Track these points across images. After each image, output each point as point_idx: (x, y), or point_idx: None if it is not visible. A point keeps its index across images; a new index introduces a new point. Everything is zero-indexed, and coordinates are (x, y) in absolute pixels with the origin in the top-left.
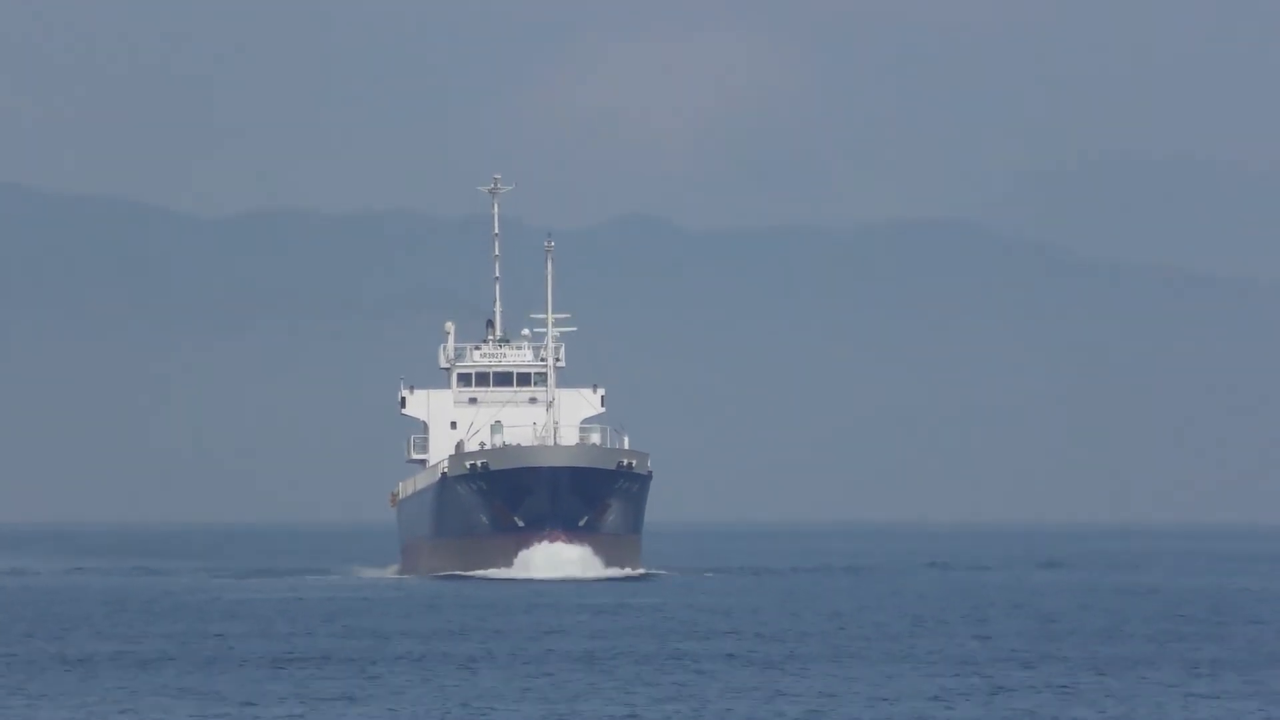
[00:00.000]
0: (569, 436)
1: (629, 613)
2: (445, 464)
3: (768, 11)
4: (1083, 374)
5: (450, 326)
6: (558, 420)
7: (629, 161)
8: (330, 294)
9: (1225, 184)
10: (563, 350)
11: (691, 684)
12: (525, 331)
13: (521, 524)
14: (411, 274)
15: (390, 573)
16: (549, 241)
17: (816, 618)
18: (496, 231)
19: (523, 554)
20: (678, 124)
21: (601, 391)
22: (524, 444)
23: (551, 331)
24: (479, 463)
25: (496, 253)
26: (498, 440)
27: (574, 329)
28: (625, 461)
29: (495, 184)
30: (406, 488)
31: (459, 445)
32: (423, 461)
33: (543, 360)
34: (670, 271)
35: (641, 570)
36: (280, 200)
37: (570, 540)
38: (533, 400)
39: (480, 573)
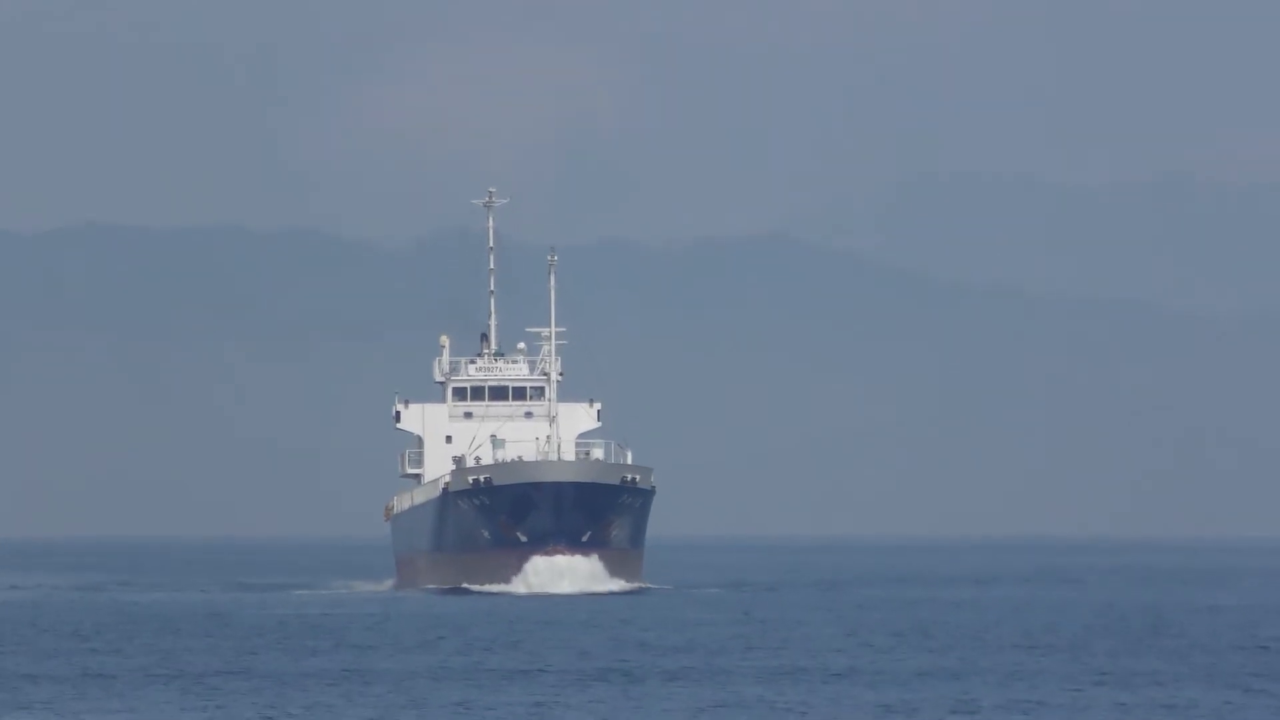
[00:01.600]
0: (568, 451)
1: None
2: (447, 478)
3: (591, 25)
4: (916, 390)
5: (445, 340)
6: (562, 435)
7: (450, 174)
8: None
9: (1062, 204)
10: (559, 364)
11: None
12: (520, 345)
13: (525, 539)
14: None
15: (386, 587)
16: (552, 255)
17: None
18: (491, 245)
19: (526, 567)
20: (501, 137)
21: (598, 406)
22: (527, 459)
23: (553, 344)
24: (482, 478)
25: (491, 266)
26: (499, 455)
27: (565, 342)
28: (629, 477)
29: (490, 197)
30: (402, 502)
31: (460, 460)
32: (417, 476)
33: (544, 374)
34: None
35: (644, 585)
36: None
37: (573, 555)
38: (529, 415)
39: (482, 587)
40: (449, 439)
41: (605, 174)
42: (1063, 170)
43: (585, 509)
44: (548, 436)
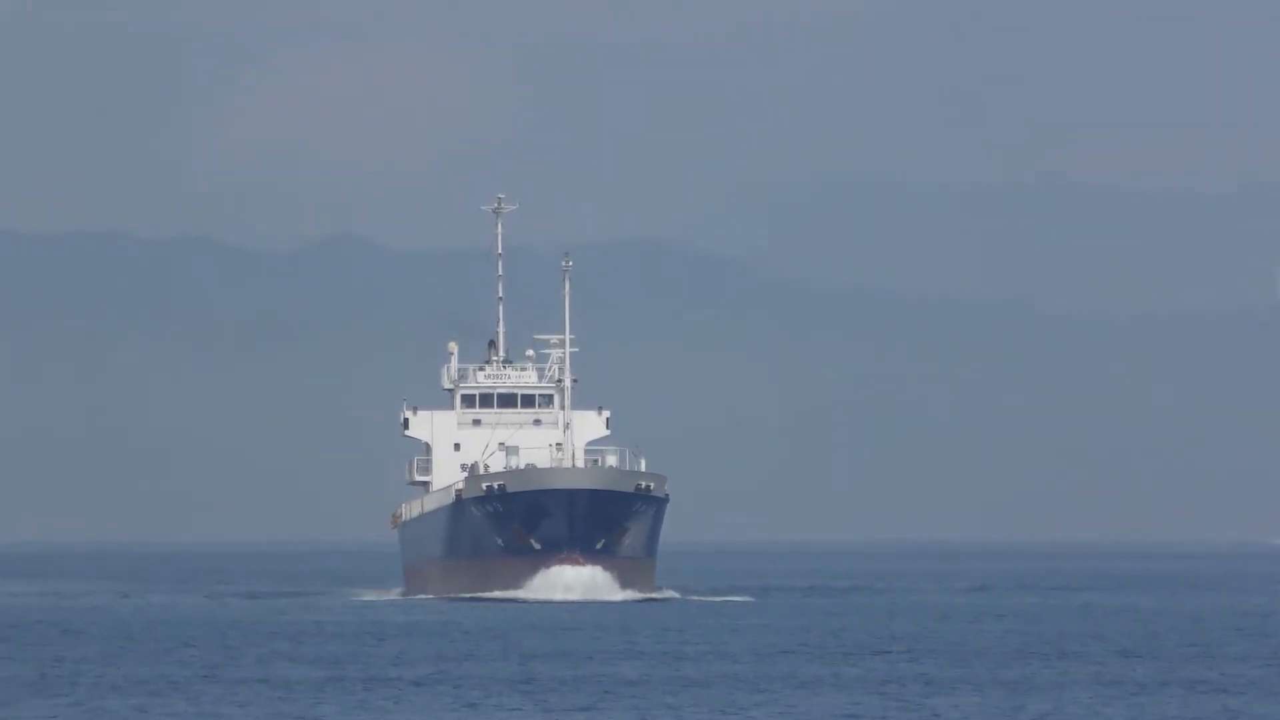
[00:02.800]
0: (580, 458)
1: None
2: (460, 485)
3: (468, 29)
4: (788, 391)
5: (453, 347)
6: (575, 442)
7: (331, 181)
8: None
9: (922, 206)
10: (571, 370)
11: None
12: (529, 352)
13: (538, 546)
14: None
15: (394, 595)
16: (566, 260)
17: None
18: (500, 252)
19: (538, 576)
20: (381, 143)
21: (607, 414)
22: (540, 466)
23: (568, 351)
24: (496, 484)
25: (499, 273)
26: (513, 462)
27: (577, 349)
28: (643, 484)
29: (499, 204)
30: (411, 509)
31: (473, 467)
32: (425, 483)
33: (554, 381)
34: (375, 291)
35: (660, 593)
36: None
37: (587, 563)
38: (537, 422)
39: (496, 594)
40: (457, 446)
41: (486, 178)
42: (939, 172)
43: (599, 516)
44: (558, 444)
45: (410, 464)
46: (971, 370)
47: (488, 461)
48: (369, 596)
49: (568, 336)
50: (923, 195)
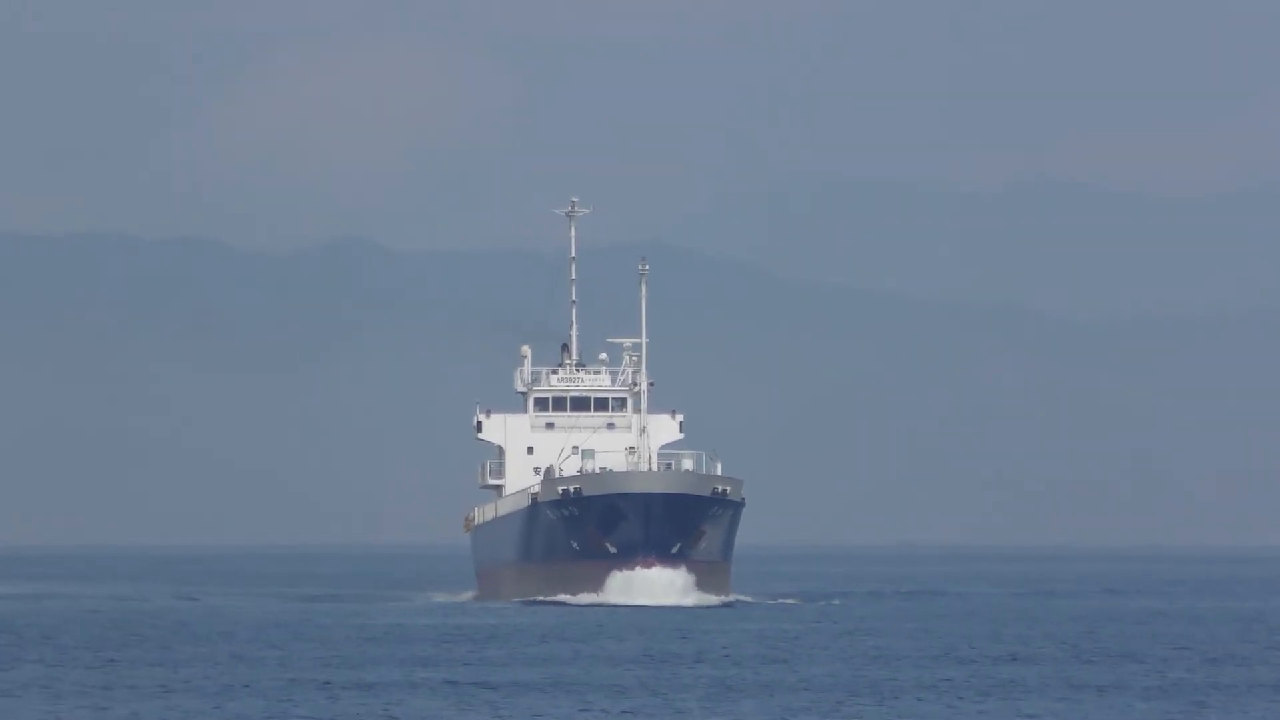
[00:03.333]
0: (655, 462)
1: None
2: (536, 489)
3: (470, 31)
4: (787, 392)
5: (527, 350)
6: (651, 446)
7: (331, 183)
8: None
9: (922, 207)
10: (647, 374)
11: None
12: (602, 356)
13: (614, 550)
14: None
15: (467, 599)
16: (643, 264)
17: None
18: (573, 255)
19: (614, 580)
20: (379, 144)
21: (680, 417)
22: (616, 470)
23: (644, 355)
24: (571, 488)
25: (573, 276)
26: (588, 466)
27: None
28: (720, 488)
29: (573, 207)
30: (485, 513)
31: (548, 470)
32: (498, 487)
33: (627, 385)
34: (387, 294)
35: (733, 597)
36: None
37: (663, 566)
38: (610, 426)
39: (571, 598)
40: (530, 450)
41: (485, 180)
42: (939, 174)
43: (675, 520)
44: (631, 447)
45: (483, 467)
46: (971, 371)
47: (562, 465)
48: (441, 599)
49: (644, 340)
50: (923, 196)
